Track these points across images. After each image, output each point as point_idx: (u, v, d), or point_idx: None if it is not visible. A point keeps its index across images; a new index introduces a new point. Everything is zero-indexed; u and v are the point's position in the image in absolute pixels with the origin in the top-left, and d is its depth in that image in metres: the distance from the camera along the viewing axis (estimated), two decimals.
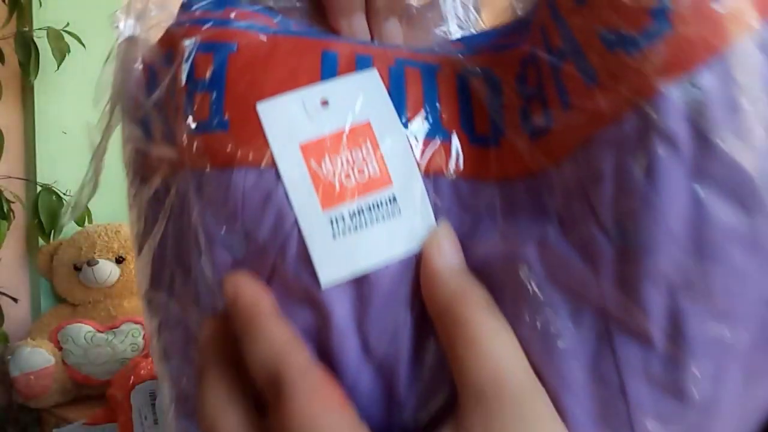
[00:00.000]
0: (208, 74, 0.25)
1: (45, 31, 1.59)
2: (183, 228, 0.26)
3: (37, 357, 1.49)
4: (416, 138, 0.25)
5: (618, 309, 0.21)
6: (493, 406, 0.21)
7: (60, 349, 1.53)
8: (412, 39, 0.35)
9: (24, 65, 1.60)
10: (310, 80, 0.25)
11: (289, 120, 0.25)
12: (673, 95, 0.20)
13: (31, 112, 1.65)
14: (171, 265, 0.28)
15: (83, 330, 1.54)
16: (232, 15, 0.27)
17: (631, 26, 0.21)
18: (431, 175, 0.25)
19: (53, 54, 1.58)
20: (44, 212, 1.60)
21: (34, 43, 1.60)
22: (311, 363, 0.23)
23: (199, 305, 0.27)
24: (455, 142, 0.26)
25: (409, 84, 0.26)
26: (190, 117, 0.25)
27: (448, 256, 0.24)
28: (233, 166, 0.24)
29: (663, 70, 0.20)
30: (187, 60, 0.26)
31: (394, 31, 0.34)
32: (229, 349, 0.25)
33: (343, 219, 0.24)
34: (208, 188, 0.25)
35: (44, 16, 1.62)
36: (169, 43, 0.27)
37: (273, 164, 0.24)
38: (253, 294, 0.24)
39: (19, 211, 1.60)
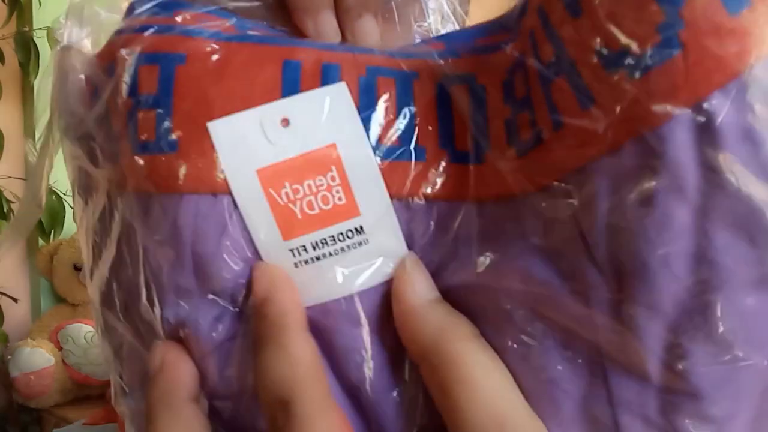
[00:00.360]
0: (153, 89, 0.23)
1: (45, 31, 1.58)
2: (131, 255, 0.24)
3: (37, 357, 1.49)
4: (388, 159, 0.23)
5: (613, 345, 0.20)
6: None
7: (60, 349, 1.53)
8: (390, 38, 0.31)
9: (24, 65, 1.61)
10: (270, 95, 0.23)
11: (245, 142, 0.22)
12: (681, 123, 0.18)
13: (31, 112, 1.66)
14: (123, 293, 0.25)
15: (83, 330, 1.55)
16: (179, 19, 0.24)
17: (635, 43, 0.18)
18: (404, 199, 0.23)
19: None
20: (44, 212, 1.60)
21: (34, 43, 1.61)
22: (330, 399, 0.21)
23: (154, 339, 0.24)
24: (432, 162, 0.23)
25: (381, 96, 0.24)
26: (134, 137, 0.23)
27: (421, 290, 0.22)
28: (182, 192, 0.22)
29: (670, 96, 0.18)
30: (128, 73, 0.23)
31: (368, 29, 0.30)
32: (187, 380, 0.23)
33: (305, 250, 0.23)
34: (154, 214, 0.23)
35: (44, 16, 1.62)
36: (110, 54, 0.24)
37: (228, 191, 0.22)
38: (290, 300, 0.22)
39: None
